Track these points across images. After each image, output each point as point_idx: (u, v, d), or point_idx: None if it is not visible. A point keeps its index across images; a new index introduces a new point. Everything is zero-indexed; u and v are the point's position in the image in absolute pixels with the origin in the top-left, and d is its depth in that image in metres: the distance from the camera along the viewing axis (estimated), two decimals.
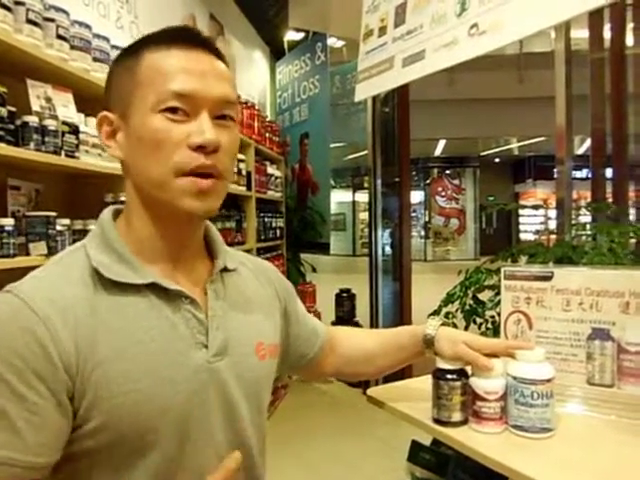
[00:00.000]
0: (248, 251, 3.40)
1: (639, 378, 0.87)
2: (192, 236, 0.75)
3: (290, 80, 4.89)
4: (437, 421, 0.86)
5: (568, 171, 2.46)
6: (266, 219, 3.81)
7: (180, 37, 0.70)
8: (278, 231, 4.13)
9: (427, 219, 15.53)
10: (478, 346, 0.85)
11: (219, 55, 0.73)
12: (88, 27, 1.89)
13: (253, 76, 4.73)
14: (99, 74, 1.89)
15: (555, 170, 2.61)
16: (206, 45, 0.72)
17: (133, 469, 0.65)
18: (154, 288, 0.69)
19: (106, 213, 0.75)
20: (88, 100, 1.86)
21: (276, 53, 5.19)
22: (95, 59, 1.92)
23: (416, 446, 1.09)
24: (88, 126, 1.84)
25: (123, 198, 2.12)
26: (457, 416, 0.85)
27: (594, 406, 0.90)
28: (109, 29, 2.45)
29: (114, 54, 2.09)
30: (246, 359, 0.75)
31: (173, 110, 0.67)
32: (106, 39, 2.00)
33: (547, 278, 0.97)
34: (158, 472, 0.66)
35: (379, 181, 4.14)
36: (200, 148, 0.67)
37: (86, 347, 0.62)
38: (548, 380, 0.80)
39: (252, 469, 0.76)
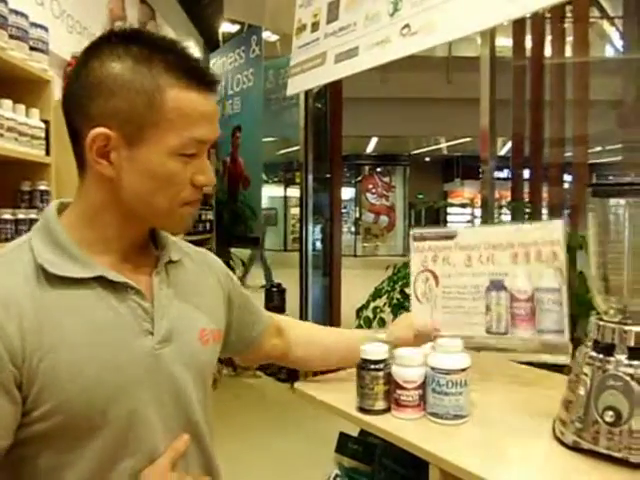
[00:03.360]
0: None
1: (529, 322, 0.97)
2: (145, 234, 0.80)
3: (223, 72, 4.81)
4: (361, 410, 0.89)
5: (491, 171, 2.58)
6: None
7: (199, 77, 0.73)
8: (208, 224, 4.07)
9: (358, 215, 15.78)
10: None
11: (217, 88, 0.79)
12: (3, 1, 1.78)
13: None
14: (15, 53, 1.78)
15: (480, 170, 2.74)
16: (216, 84, 0.76)
17: (80, 450, 0.68)
18: (101, 281, 0.71)
19: (51, 207, 0.76)
20: (2, 80, 1.75)
21: (210, 44, 5.09)
22: (11, 36, 1.81)
23: (344, 437, 1.11)
24: (2, 108, 1.73)
25: (43, 187, 2.01)
26: (380, 404, 0.88)
27: (493, 353, 1.02)
28: (28, 5, 2.31)
29: (33, 32, 1.97)
30: (190, 345, 0.79)
31: (190, 155, 0.72)
32: (24, 16, 1.89)
33: (452, 237, 1.05)
34: (103, 454, 0.69)
35: (310, 176, 4.15)
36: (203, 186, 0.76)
37: (32, 338, 0.65)
38: (463, 370, 0.84)
39: (201, 441, 0.81)
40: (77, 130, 0.73)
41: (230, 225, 4.48)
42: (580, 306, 2.12)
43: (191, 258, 0.87)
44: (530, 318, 0.96)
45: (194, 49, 4.83)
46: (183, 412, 0.77)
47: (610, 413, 0.72)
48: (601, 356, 0.77)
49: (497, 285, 0.99)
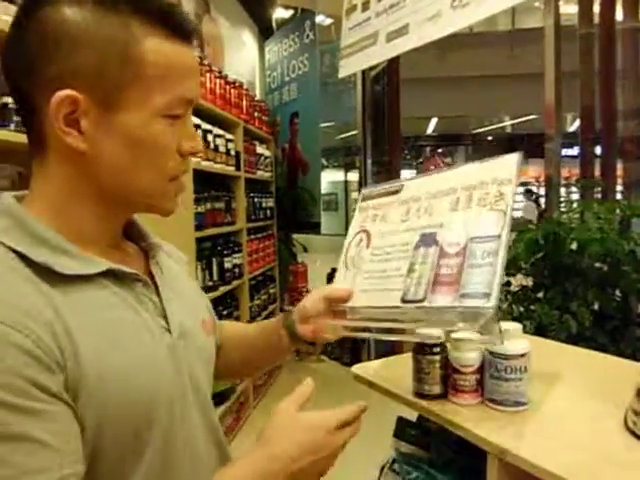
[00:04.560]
0: (238, 232, 3.40)
1: (452, 286, 0.73)
2: (124, 222, 0.72)
3: (279, 59, 4.83)
4: (418, 394, 0.88)
5: (557, 148, 2.46)
6: (256, 199, 3.79)
7: (178, 25, 0.63)
8: (268, 211, 4.12)
9: None
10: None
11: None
12: None
13: (241, 55, 4.67)
14: None
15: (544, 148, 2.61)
16: (196, 34, 0.67)
17: (139, 460, 0.62)
18: (107, 275, 0.63)
19: (13, 203, 0.62)
20: None
21: (265, 32, 5.11)
22: None
23: (402, 422, 1.10)
24: None
25: None
26: (436, 389, 0.86)
27: (396, 331, 0.83)
28: None
29: None
30: (199, 338, 0.75)
31: (177, 116, 0.63)
32: None
33: (396, 191, 0.90)
34: (152, 473, 0.63)
35: (369, 160, 4.12)
36: (189, 154, 0.67)
37: (65, 346, 0.55)
38: (522, 355, 0.81)
39: (216, 434, 0.77)
40: (29, 99, 0.60)
41: (291, 211, 4.52)
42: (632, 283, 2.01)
43: (161, 247, 0.79)
44: (455, 279, 0.72)
45: (249, 38, 4.87)
46: (202, 408, 0.73)
47: None
48: None
49: (428, 240, 0.80)
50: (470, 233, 0.74)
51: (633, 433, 0.75)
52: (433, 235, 0.79)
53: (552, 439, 0.75)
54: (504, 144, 15.66)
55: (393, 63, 3.93)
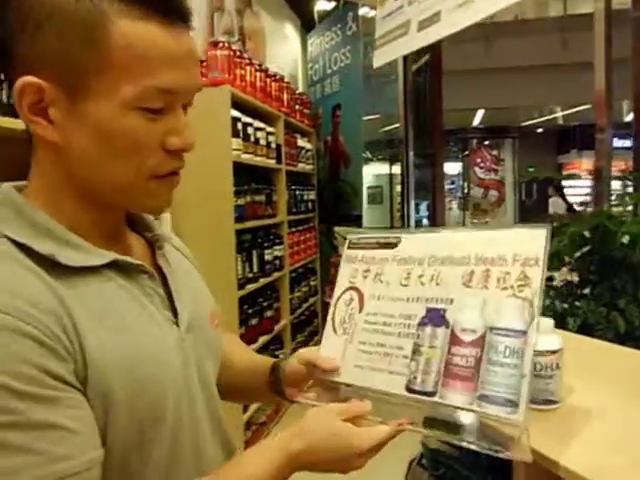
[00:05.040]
0: (279, 224, 3.42)
1: (467, 383, 0.62)
2: (124, 215, 0.69)
3: (321, 52, 4.82)
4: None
5: (608, 139, 2.36)
6: (297, 192, 3.81)
7: (160, 5, 0.55)
8: (310, 204, 4.13)
9: (465, 190, 15.23)
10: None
11: (191, 22, 0.60)
12: None
13: (283, 49, 4.68)
14: None
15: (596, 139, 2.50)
16: (187, 15, 0.59)
17: (147, 454, 0.61)
18: (111, 267, 0.61)
19: (14, 193, 0.60)
20: None
21: (307, 24, 5.11)
22: None
23: (430, 418, 1.08)
24: None
25: None
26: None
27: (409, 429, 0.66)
28: None
29: None
30: (208, 332, 0.74)
31: (157, 111, 0.58)
32: None
33: (392, 245, 0.78)
34: (162, 465, 0.62)
35: (411, 153, 4.07)
36: (177, 150, 0.61)
37: (72, 336, 0.54)
38: (553, 352, 0.77)
39: (224, 435, 0.76)
40: (11, 80, 0.56)
41: (332, 204, 4.52)
42: None
43: (167, 239, 0.77)
44: (472, 375, 0.62)
45: (291, 31, 4.88)
46: (208, 402, 0.71)
47: None
48: None
49: (435, 317, 0.68)
50: (489, 321, 0.63)
51: None
52: (442, 312, 0.68)
53: (584, 440, 0.72)
54: (554, 136, 15.18)
55: (435, 55, 3.86)
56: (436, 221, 4.11)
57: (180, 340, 0.66)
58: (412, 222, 4.13)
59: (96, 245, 0.61)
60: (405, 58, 3.83)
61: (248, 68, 2.91)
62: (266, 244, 3.13)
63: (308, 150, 4.11)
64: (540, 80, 8.56)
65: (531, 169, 14.38)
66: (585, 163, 14.15)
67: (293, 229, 3.68)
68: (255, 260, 2.94)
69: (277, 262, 3.28)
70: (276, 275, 3.25)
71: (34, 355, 0.51)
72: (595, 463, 0.66)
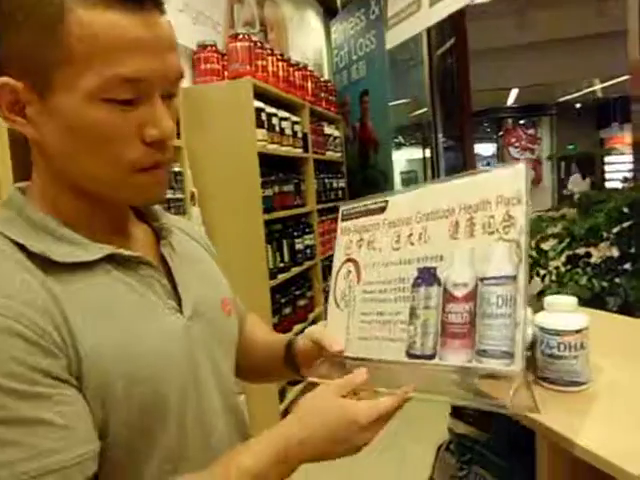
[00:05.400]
0: (309, 213, 3.41)
1: (464, 340, 0.60)
2: (126, 206, 0.69)
3: (346, 38, 4.76)
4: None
5: None
6: (326, 180, 3.79)
7: None
8: (340, 192, 4.11)
9: None
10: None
11: (163, 6, 0.58)
12: None
13: (307, 37, 4.65)
14: None
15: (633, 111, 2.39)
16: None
17: (151, 447, 0.61)
18: (109, 260, 0.61)
19: (17, 194, 0.62)
20: None
21: (329, 11, 5.06)
22: None
23: None
24: None
25: (177, 169, 2.17)
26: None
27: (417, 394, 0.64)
28: None
29: None
30: (218, 318, 0.73)
31: (127, 102, 0.55)
32: None
33: (380, 210, 0.75)
34: (167, 459, 0.62)
35: (440, 135, 4.01)
36: (157, 142, 0.58)
37: (65, 334, 0.55)
38: (577, 331, 0.74)
39: (242, 426, 0.76)
40: None
41: (362, 191, 4.49)
42: None
43: (178, 227, 0.78)
44: (468, 331, 0.60)
45: (314, 19, 4.84)
46: (223, 392, 0.71)
47: None
48: None
49: (427, 276, 0.65)
50: (479, 272, 0.61)
51: None
52: (433, 270, 0.65)
53: (608, 422, 0.69)
54: (594, 111, 14.68)
55: (460, 36, 3.77)
56: None
57: (186, 327, 0.66)
58: None
59: (95, 238, 0.62)
60: (429, 41, 3.76)
61: (270, 58, 2.91)
62: (296, 233, 3.14)
63: (336, 137, 4.09)
64: (575, 53, 8.27)
65: (571, 146, 13.95)
66: (628, 137, 13.63)
67: (323, 218, 3.67)
68: (286, 250, 2.95)
69: (308, 251, 3.28)
70: (308, 264, 3.25)
71: (25, 354, 0.51)
72: (616, 445, 0.63)
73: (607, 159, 13.61)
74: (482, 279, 0.61)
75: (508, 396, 0.55)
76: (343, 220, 0.81)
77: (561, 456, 0.68)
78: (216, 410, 0.70)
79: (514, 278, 0.58)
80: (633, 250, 2.08)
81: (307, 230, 3.30)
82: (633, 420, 0.69)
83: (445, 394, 0.63)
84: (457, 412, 1.05)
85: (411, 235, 0.70)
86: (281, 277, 2.84)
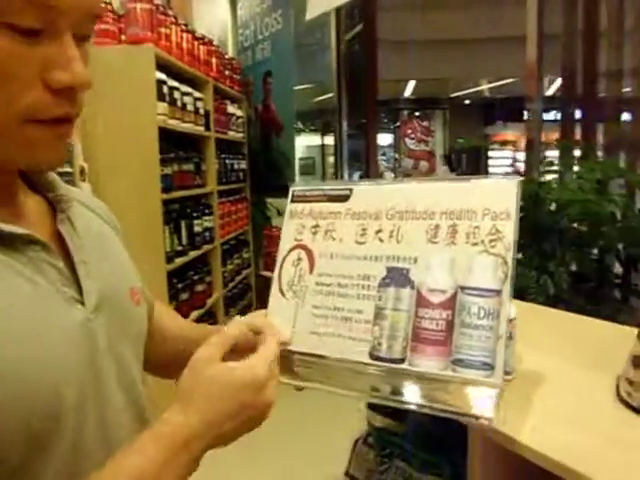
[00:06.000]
0: (209, 194, 3.27)
1: (439, 347, 0.58)
2: (13, 173, 0.56)
3: (251, 16, 4.60)
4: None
5: (538, 110, 2.40)
6: (227, 161, 3.66)
7: None
8: (241, 174, 3.99)
9: (396, 161, 15.48)
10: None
11: None
12: None
13: (212, 11, 4.45)
14: None
15: (525, 110, 2.54)
16: None
17: (46, 455, 0.51)
18: None
19: None
20: None
21: None
22: None
23: None
24: None
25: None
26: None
27: (375, 396, 0.65)
28: None
29: None
30: (125, 308, 0.63)
31: (33, 33, 0.46)
32: None
33: (343, 198, 0.71)
34: (65, 464, 0.52)
35: (345, 123, 4.02)
36: (67, 90, 0.48)
37: None
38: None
39: (142, 415, 0.65)
40: None
41: (264, 174, 4.40)
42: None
43: (80, 202, 0.66)
44: (444, 339, 0.58)
45: None
46: (127, 389, 0.61)
47: None
48: None
49: (398, 277, 0.62)
50: (460, 280, 0.59)
51: (627, 404, 0.70)
52: (405, 272, 0.62)
53: (541, 415, 0.69)
54: (481, 108, 15.62)
55: (369, 23, 3.79)
56: None
57: (86, 321, 0.55)
58: None
59: None
60: (338, 25, 3.74)
61: (173, 27, 2.72)
62: (195, 214, 2.99)
63: (239, 117, 3.96)
64: (470, 53, 8.70)
65: (460, 140, 14.75)
66: (510, 134, 14.68)
67: (224, 199, 3.54)
68: (184, 232, 2.80)
69: (207, 234, 3.15)
70: (206, 248, 3.12)
71: None
72: (551, 438, 0.63)
73: (491, 154, 14.56)
74: (463, 288, 0.58)
75: (473, 406, 0.55)
76: (293, 202, 0.75)
77: (494, 450, 0.66)
78: (122, 411, 0.60)
79: (498, 292, 0.57)
80: (523, 241, 2.20)
81: (207, 212, 3.17)
82: (561, 410, 0.70)
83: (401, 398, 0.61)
84: (373, 404, 1.03)
85: (380, 231, 0.66)
86: (179, 261, 2.70)
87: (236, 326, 0.61)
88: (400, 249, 0.64)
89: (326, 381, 0.66)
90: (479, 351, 0.56)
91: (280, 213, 4.84)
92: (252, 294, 4.21)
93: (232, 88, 3.84)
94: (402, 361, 0.60)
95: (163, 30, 2.59)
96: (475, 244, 0.59)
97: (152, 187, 2.43)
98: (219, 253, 3.36)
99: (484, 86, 12.82)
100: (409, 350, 0.60)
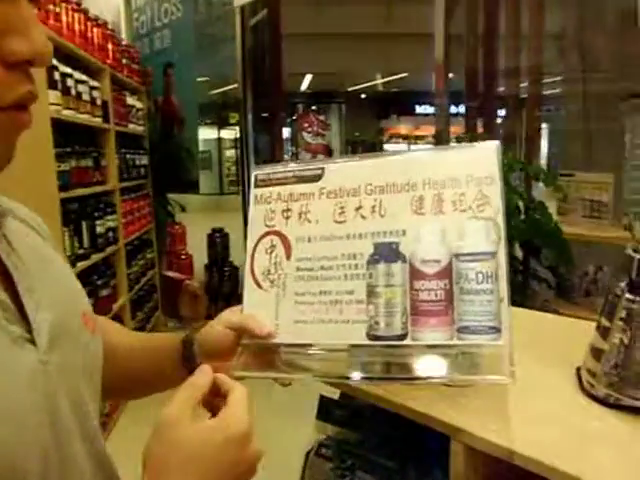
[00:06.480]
0: (110, 192, 3.05)
1: (442, 317, 0.57)
2: None
3: (147, 0, 4.36)
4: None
5: (445, 105, 2.48)
6: (128, 156, 3.43)
7: None
8: (142, 169, 3.77)
9: (295, 155, 15.56)
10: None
11: None
12: None
13: None
14: None
15: (432, 105, 2.62)
16: None
17: None
18: None
19: None
20: None
21: None
22: None
23: (325, 401, 1.00)
24: None
25: None
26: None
27: (380, 377, 0.63)
28: None
29: None
30: (82, 341, 0.53)
31: None
32: None
33: (314, 178, 0.68)
34: None
35: (250, 116, 3.91)
36: (25, 64, 0.40)
37: None
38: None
39: (103, 461, 0.55)
40: None
41: (166, 169, 4.19)
42: (546, 237, 2.12)
43: (16, 215, 0.57)
44: (445, 308, 0.57)
45: None
46: (89, 439, 0.51)
47: None
48: None
49: (387, 252, 0.60)
50: (453, 248, 0.58)
51: (591, 395, 0.72)
52: (395, 246, 0.60)
53: (514, 413, 0.69)
54: (376, 102, 16.08)
55: (274, 12, 3.72)
56: None
57: (39, 364, 0.45)
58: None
59: None
60: (242, 15, 3.63)
61: (64, 5, 2.47)
62: (97, 214, 2.78)
63: (139, 110, 3.73)
64: (365, 48, 8.89)
65: (356, 133, 15.11)
66: (403, 128, 15.29)
67: (126, 197, 3.32)
68: (85, 234, 2.59)
69: (111, 235, 2.94)
70: (110, 250, 2.91)
71: None
72: (532, 439, 0.63)
73: (386, 147, 15.09)
74: (457, 255, 0.58)
75: (487, 371, 0.55)
76: (257, 187, 0.71)
77: (475, 455, 0.65)
78: (84, 461, 0.50)
79: (493, 254, 0.56)
80: None
81: (109, 211, 2.95)
82: (531, 407, 0.70)
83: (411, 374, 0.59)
84: (324, 414, 0.99)
85: (360, 208, 0.63)
86: (80, 265, 2.49)
87: (204, 373, 0.53)
88: (385, 223, 0.62)
89: (317, 371, 0.63)
90: (483, 316, 0.56)
91: (184, 209, 4.66)
92: (158, 295, 4.01)
93: (131, 78, 3.60)
94: (404, 337, 0.58)
95: (52, 8, 2.35)
96: (463, 211, 0.59)
97: (48, 185, 2.21)
98: (123, 254, 3.15)
99: (378, 81, 13.19)
100: (410, 325, 0.58)
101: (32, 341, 0.45)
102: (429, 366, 0.58)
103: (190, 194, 4.53)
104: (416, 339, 0.58)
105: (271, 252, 0.67)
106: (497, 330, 0.55)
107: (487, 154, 0.60)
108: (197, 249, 4.34)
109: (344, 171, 0.67)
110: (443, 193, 0.60)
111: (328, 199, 0.66)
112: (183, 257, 4.22)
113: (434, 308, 0.57)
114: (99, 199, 2.92)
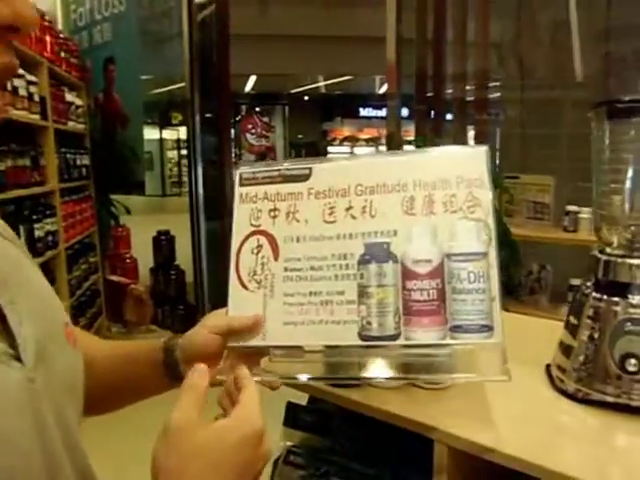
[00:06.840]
0: (50, 193, 2.90)
1: (435, 317, 0.57)
2: None
3: None
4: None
5: (397, 107, 2.51)
6: (69, 155, 3.28)
7: None
8: (84, 170, 3.62)
9: (238, 156, 15.39)
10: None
11: None
12: None
13: None
14: None
15: (376, 107, 2.65)
16: None
17: None
18: None
19: None
20: None
21: None
22: None
23: (293, 407, 0.97)
24: None
25: None
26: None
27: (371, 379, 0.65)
28: None
29: None
30: (66, 356, 0.50)
31: None
32: None
33: (303, 177, 0.67)
34: None
35: (197, 116, 3.84)
36: (9, 30, 0.37)
37: None
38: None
39: (85, 471, 0.52)
40: None
41: (109, 169, 4.03)
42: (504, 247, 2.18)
43: None
44: (438, 308, 0.57)
45: None
46: (74, 457, 0.48)
47: (633, 361, 0.66)
48: (612, 298, 0.70)
49: (378, 252, 0.60)
50: (445, 248, 0.59)
51: (561, 391, 0.74)
52: (386, 246, 0.60)
53: (490, 413, 0.69)
54: (319, 105, 16.16)
55: (223, 8, 3.66)
56: (224, 186, 3.97)
57: (27, 382, 0.42)
58: (200, 188, 3.95)
59: None
60: (190, 12, 3.55)
61: None
62: (35, 217, 2.63)
63: (79, 107, 3.57)
64: (309, 50, 8.92)
65: (300, 135, 15.12)
66: (347, 130, 15.43)
67: (66, 198, 3.18)
68: (23, 238, 2.45)
69: (50, 239, 2.79)
70: (50, 254, 2.77)
71: None
72: (514, 438, 0.63)
73: (330, 149, 15.19)
74: (449, 255, 0.58)
75: (483, 369, 0.57)
76: (242, 185, 0.69)
77: (456, 455, 0.65)
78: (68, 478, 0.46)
79: (484, 255, 0.58)
80: None
81: (48, 213, 2.81)
82: (507, 406, 0.70)
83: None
84: (291, 420, 0.96)
85: (350, 208, 0.63)
86: None
87: (203, 373, 0.51)
88: (376, 224, 0.62)
89: (308, 373, 0.63)
90: (475, 314, 0.57)
91: (129, 211, 4.51)
92: (101, 300, 3.85)
93: (69, 73, 3.44)
94: (397, 337, 0.58)
95: None
96: (454, 212, 0.60)
97: None
98: (64, 259, 3.00)
99: (321, 83, 13.26)
100: (402, 325, 0.58)
101: (17, 357, 0.42)
102: (423, 368, 0.59)
103: (135, 195, 4.39)
104: (409, 339, 0.58)
105: (257, 252, 0.66)
106: (490, 328, 0.56)
107: (477, 156, 0.61)
108: (142, 252, 4.20)
109: (333, 171, 0.67)
110: (434, 194, 0.61)
111: (317, 199, 0.66)
112: (128, 260, 4.08)
113: (427, 308, 0.58)
114: (37, 201, 2.77)
